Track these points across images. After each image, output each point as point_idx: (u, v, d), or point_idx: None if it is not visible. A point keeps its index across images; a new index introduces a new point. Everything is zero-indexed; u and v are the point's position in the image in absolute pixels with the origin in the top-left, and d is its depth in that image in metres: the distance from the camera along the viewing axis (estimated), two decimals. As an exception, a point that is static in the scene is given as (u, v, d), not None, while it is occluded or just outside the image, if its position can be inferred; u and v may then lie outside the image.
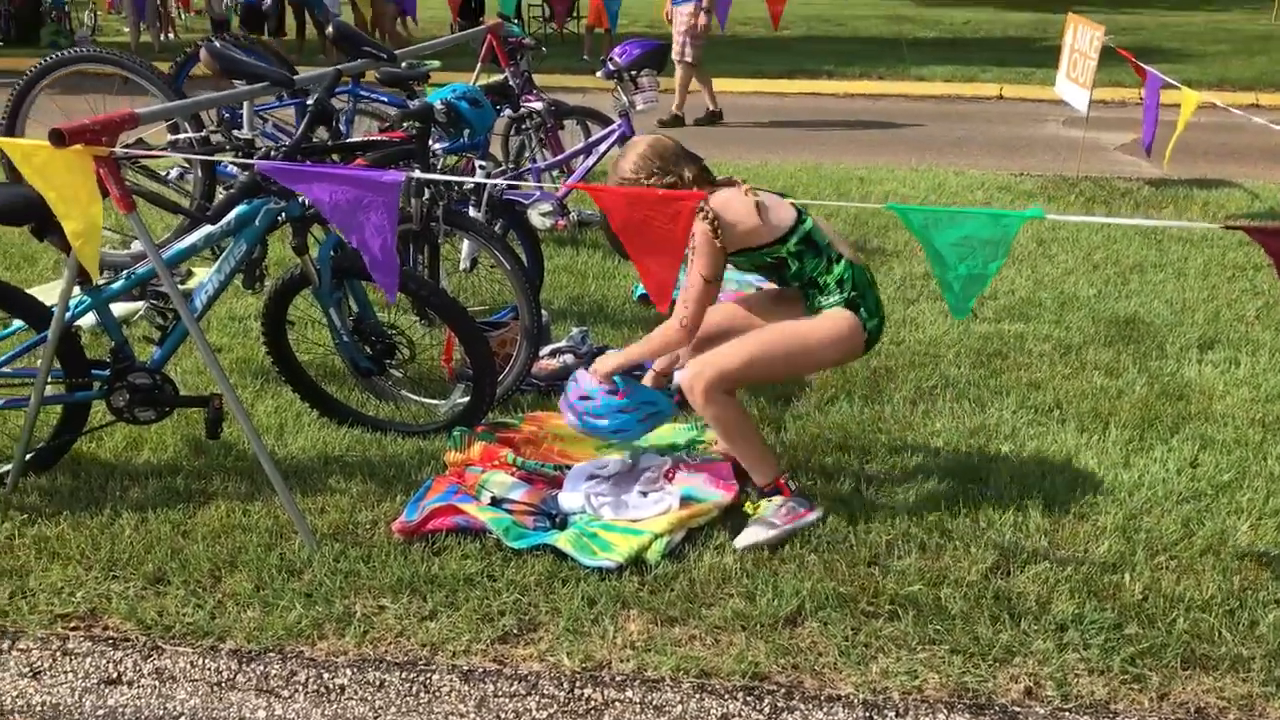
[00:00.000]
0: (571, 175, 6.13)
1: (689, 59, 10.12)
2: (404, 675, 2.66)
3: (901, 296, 5.32)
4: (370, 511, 3.29)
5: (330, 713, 2.59)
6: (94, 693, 2.64)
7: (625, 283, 5.45)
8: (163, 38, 17.45)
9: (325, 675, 2.66)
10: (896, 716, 2.56)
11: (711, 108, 10.49)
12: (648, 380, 3.50)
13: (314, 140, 3.60)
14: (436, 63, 6.24)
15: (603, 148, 5.98)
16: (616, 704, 2.60)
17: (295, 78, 3.69)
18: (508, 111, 6.06)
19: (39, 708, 2.62)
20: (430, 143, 4.06)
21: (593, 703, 2.60)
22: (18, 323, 3.37)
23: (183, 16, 19.97)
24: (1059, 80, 8.80)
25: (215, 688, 2.64)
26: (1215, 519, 3.30)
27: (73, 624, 2.83)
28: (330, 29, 4.24)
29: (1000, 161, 9.15)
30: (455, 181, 4.07)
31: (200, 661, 2.70)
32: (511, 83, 6.01)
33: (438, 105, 3.85)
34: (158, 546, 3.11)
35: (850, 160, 8.72)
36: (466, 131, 4.06)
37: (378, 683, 2.64)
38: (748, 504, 3.31)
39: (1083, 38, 8.05)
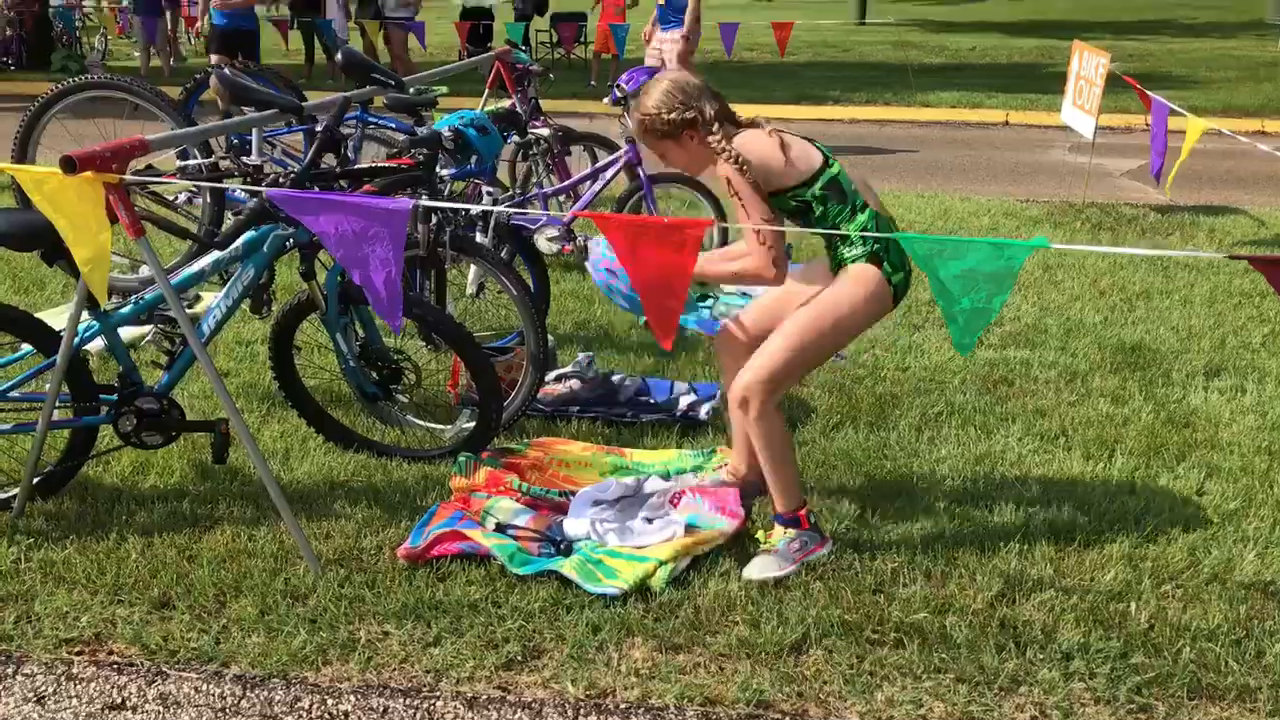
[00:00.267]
0: (578, 201, 6.16)
1: None
2: (408, 702, 2.66)
3: (907, 322, 5.32)
4: (375, 537, 3.30)
5: (334, 740, 2.59)
6: (98, 718, 2.64)
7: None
8: (172, 62, 17.58)
9: (329, 701, 2.66)
10: (901, 746, 2.55)
11: None
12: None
13: (322, 166, 3.62)
14: (444, 88, 6.28)
15: (609, 174, 6.00)
16: (620, 732, 2.59)
17: (304, 105, 3.72)
18: (515, 138, 6.09)
19: (43, 733, 2.62)
20: (438, 168, 4.09)
21: (597, 731, 2.60)
22: (26, 347, 3.38)
23: (191, 41, 20.13)
24: (1065, 107, 8.82)
25: (219, 713, 2.64)
26: (1222, 547, 3.29)
27: (77, 649, 2.83)
28: (339, 56, 4.27)
29: (1006, 187, 9.17)
30: (463, 209, 4.09)
31: (204, 687, 2.70)
32: (519, 109, 6.05)
33: (445, 132, 3.88)
34: (163, 571, 3.11)
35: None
36: (474, 158, 4.08)
37: (381, 709, 2.64)
38: (759, 531, 3.30)
39: (1088, 65, 8.09)
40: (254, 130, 4.18)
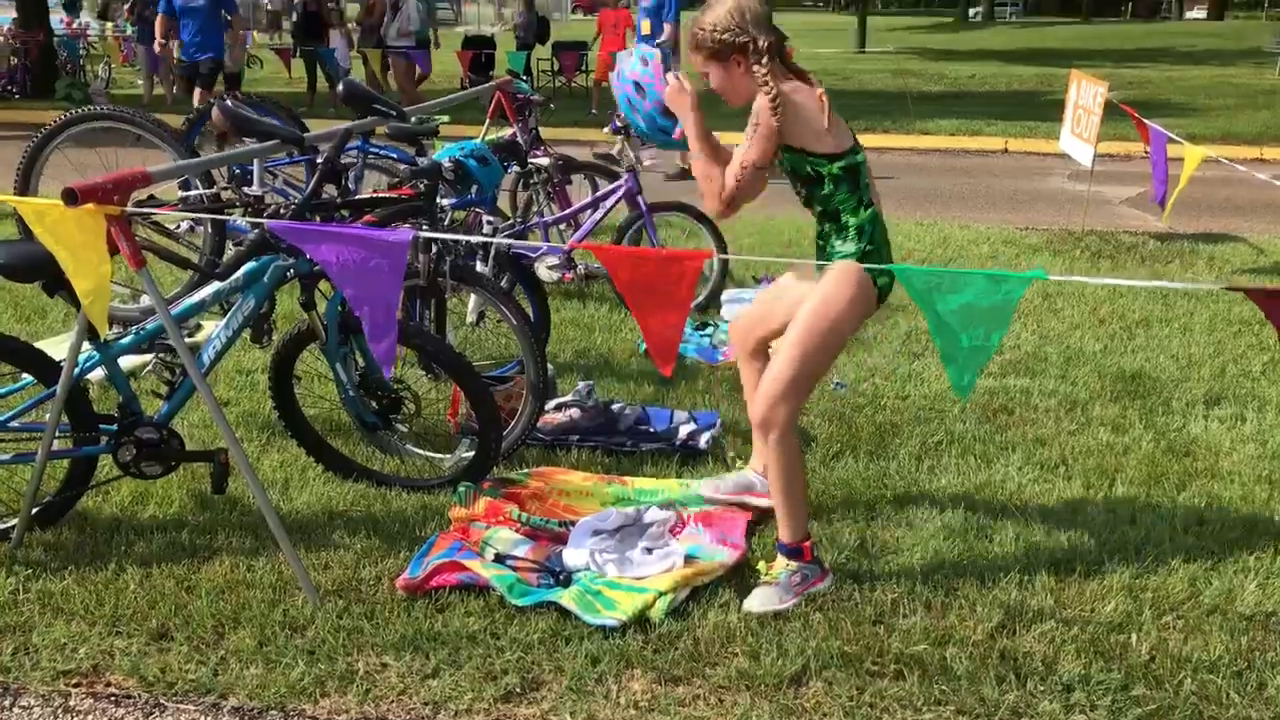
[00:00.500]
0: (579, 229, 6.18)
1: None
2: (406, 735, 2.65)
3: (907, 350, 5.33)
4: (374, 567, 3.29)
5: (331, 773, 2.57)
6: (95, 751, 2.63)
7: (631, 336, 5.47)
8: (175, 90, 17.67)
9: (327, 734, 2.65)
10: (902, 780, 2.53)
11: (685, 165, 10.49)
12: None
13: (323, 197, 3.64)
14: (445, 117, 6.31)
15: (609, 203, 6.02)
16: (619, 765, 2.58)
17: (305, 136, 3.74)
18: (515, 168, 6.12)
19: (39, 766, 2.60)
20: (439, 198, 4.10)
21: (595, 764, 2.58)
22: (27, 377, 3.39)
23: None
24: (1063, 136, 8.86)
25: (216, 747, 2.63)
26: (1222, 578, 3.28)
27: (75, 681, 2.82)
28: (340, 87, 4.29)
29: (1005, 215, 9.20)
30: (464, 241, 4.10)
31: (202, 719, 2.69)
32: (520, 139, 6.07)
33: (446, 163, 3.90)
34: (161, 602, 3.10)
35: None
36: (475, 188, 4.10)
37: (379, 742, 2.63)
38: (760, 562, 3.29)
39: (1086, 94, 8.13)
40: (255, 161, 4.19)
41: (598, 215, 6.08)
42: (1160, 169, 7.48)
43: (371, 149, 5.52)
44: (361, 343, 3.66)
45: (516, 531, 3.39)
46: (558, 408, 4.31)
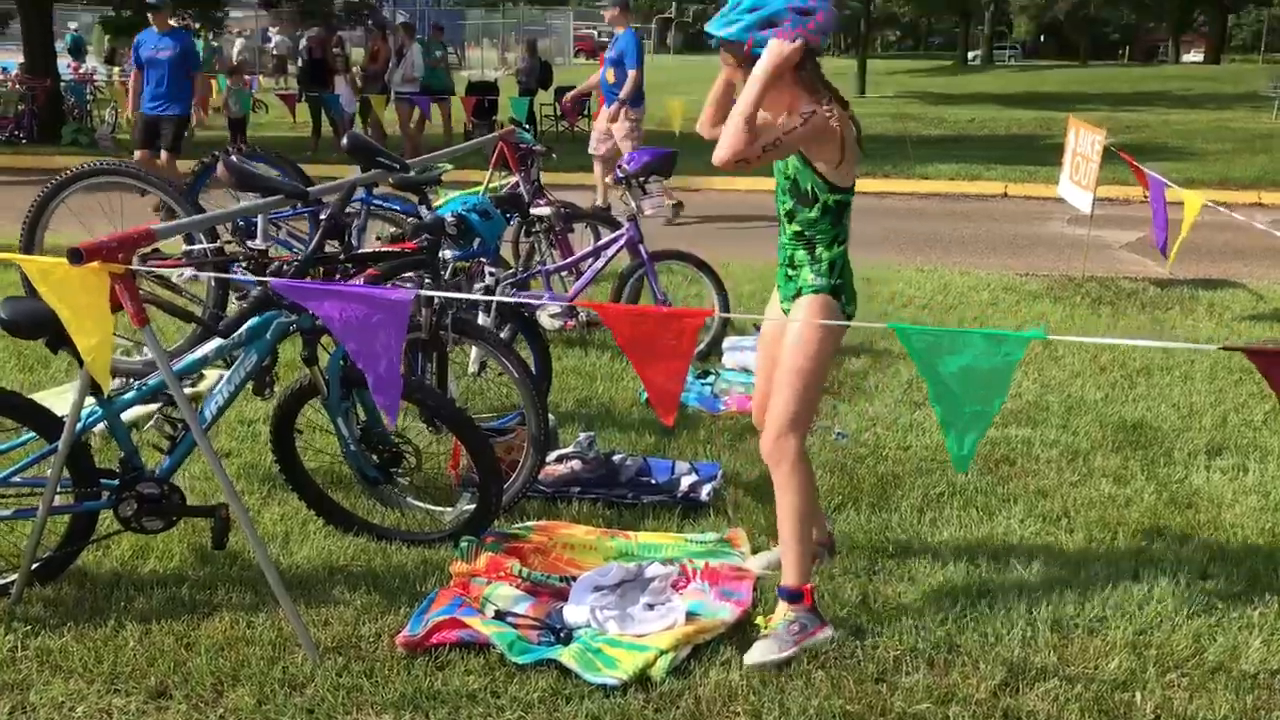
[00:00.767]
0: (580, 277, 6.21)
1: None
2: (405, 797, 2.62)
3: (908, 399, 5.33)
4: (374, 624, 3.28)
5: (329, 837, 2.55)
6: (91, 814, 2.61)
7: (633, 385, 5.48)
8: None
9: (325, 797, 2.63)
10: (905, 844, 2.51)
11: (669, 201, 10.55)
12: None
13: (326, 250, 3.67)
14: (448, 165, 6.37)
15: (611, 251, 6.06)
16: (620, 829, 2.55)
17: (309, 190, 3.77)
18: (517, 219, 6.16)
19: (35, 830, 2.58)
20: (441, 250, 4.13)
21: (596, 827, 2.56)
22: (29, 432, 3.39)
23: (204, 116, 20.35)
24: (1062, 182, 8.92)
25: (214, 809, 2.61)
26: (1227, 634, 3.27)
27: (73, 741, 2.81)
28: (344, 141, 4.33)
29: (1006, 260, 9.24)
30: (465, 300, 4.12)
31: (199, 781, 2.67)
32: (522, 189, 6.11)
33: (448, 218, 3.93)
34: (160, 659, 3.09)
35: (857, 258, 8.78)
36: (477, 241, 4.12)
37: (378, 805, 2.61)
38: (759, 617, 3.28)
39: (1084, 142, 8.18)
40: (259, 215, 4.22)
41: (599, 264, 6.11)
42: (1160, 216, 7.52)
43: (374, 201, 5.56)
44: (363, 396, 3.67)
45: (517, 587, 3.38)
46: (559, 459, 4.31)
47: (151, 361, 4.50)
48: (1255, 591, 3.52)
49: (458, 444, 4.00)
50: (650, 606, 3.31)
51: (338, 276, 3.83)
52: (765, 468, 4.40)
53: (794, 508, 3.21)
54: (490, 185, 7.10)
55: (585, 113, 18.05)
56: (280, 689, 2.97)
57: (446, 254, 4.26)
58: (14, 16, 20.31)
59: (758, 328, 6.55)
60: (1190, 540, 3.89)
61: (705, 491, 4.17)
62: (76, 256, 2.79)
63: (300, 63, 17.68)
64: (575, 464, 4.28)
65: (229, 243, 4.20)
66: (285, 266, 3.43)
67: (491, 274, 4.74)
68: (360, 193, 5.62)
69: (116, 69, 24.56)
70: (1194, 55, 58.40)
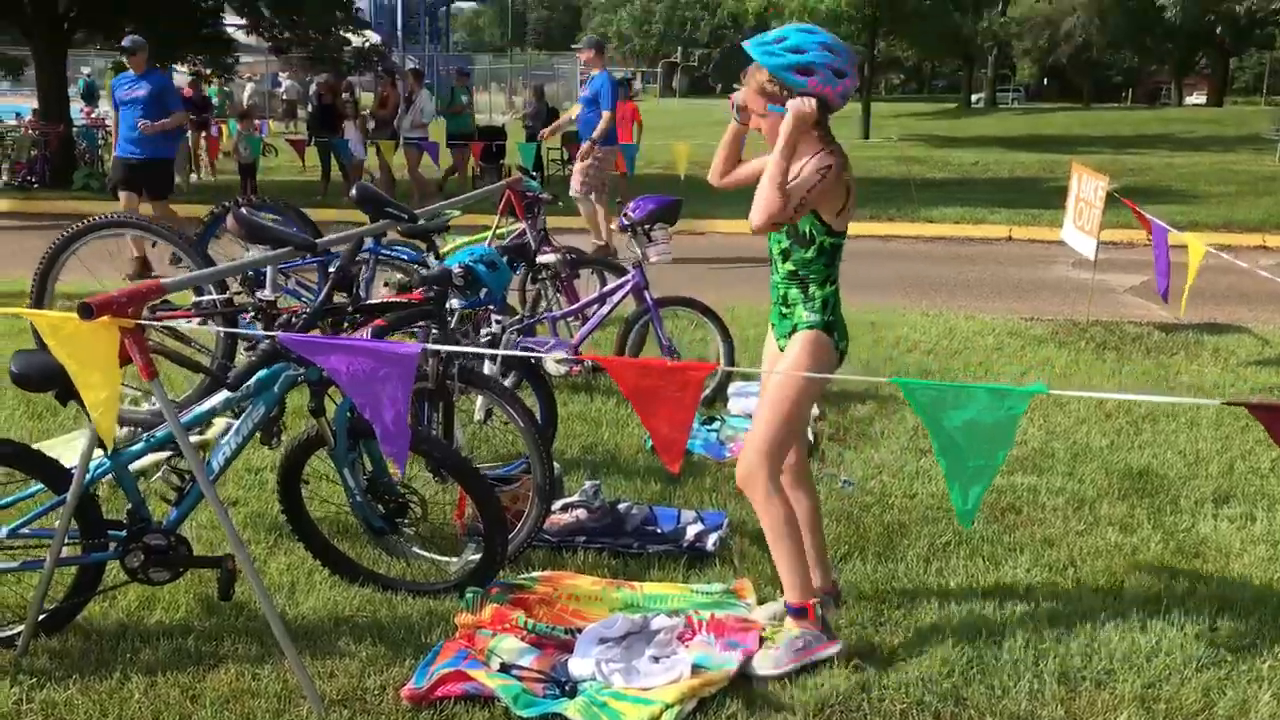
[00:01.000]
0: (586, 323, 6.24)
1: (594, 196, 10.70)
2: None
3: (914, 446, 5.33)
4: (379, 676, 3.27)
5: None
6: None
7: (638, 431, 5.49)
8: (193, 178, 17.97)
9: None
10: None
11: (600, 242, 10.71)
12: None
13: (335, 301, 3.70)
14: (456, 212, 6.42)
15: (616, 297, 6.09)
16: None
17: (317, 242, 3.80)
18: (523, 266, 6.20)
19: None
20: (448, 300, 4.16)
21: None
22: (37, 483, 3.41)
23: (206, 156, 20.53)
24: (1065, 227, 8.96)
25: None
26: (1236, 688, 3.25)
27: (76, 796, 2.80)
28: (353, 191, 4.38)
29: (1011, 304, 9.27)
30: (473, 354, 4.15)
31: (203, 838, 2.66)
32: (529, 236, 6.16)
33: (455, 269, 3.96)
34: (166, 712, 3.09)
35: (861, 302, 8.82)
36: (484, 292, 4.15)
37: None
38: (767, 630, 3.42)
39: (1087, 187, 8.23)
40: (268, 267, 4.26)
41: (604, 310, 6.14)
42: (1162, 262, 7.55)
43: (382, 251, 5.61)
44: (369, 447, 3.68)
45: (522, 639, 3.37)
46: (564, 508, 4.32)
47: (160, 412, 4.53)
48: (1264, 644, 3.51)
49: (463, 493, 4.01)
50: (656, 659, 3.30)
51: (346, 327, 3.86)
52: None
53: (776, 530, 3.34)
54: (497, 232, 7.15)
55: (592, 157, 18.15)
56: (285, 743, 2.96)
57: (454, 303, 4.29)
58: (28, 63, 20.53)
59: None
60: (1198, 591, 3.88)
61: (711, 541, 4.17)
62: (87, 312, 2.82)
63: (310, 108, 17.89)
64: (580, 513, 4.29)
65: (238, 293, 4.23)
66: (294, 319, 3.46)
67: (498, 321, 4.77)
68: (369, 242, 5.67)
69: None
70: (1196, 97, 58.77)
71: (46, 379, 3.15)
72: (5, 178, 17.65)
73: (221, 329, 4.08)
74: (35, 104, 18.92)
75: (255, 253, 4.09)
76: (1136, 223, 8.39)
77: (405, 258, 5.77)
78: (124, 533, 3.41)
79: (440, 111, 16.92)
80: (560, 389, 5.95)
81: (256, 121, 18.30)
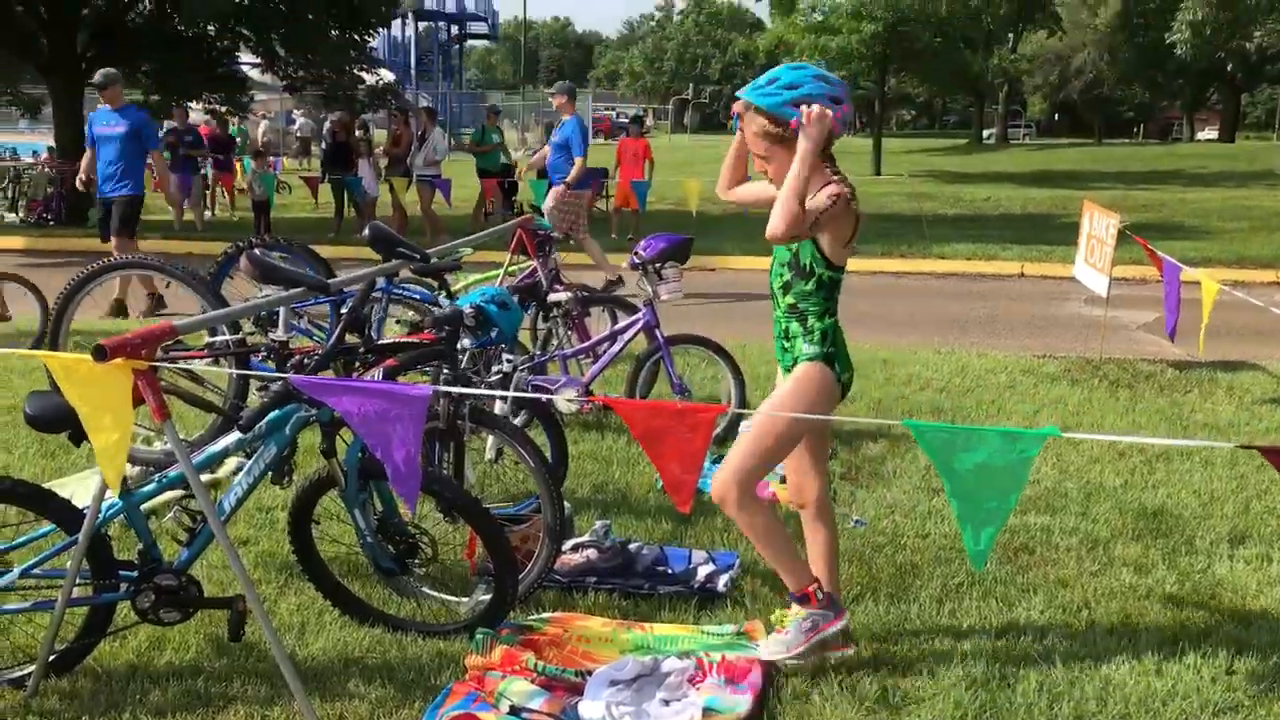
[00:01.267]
0: (597, 361, 6.25)
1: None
2: None
3: (926, 486, 5.31)
4: (389, 718, 3.26)
5: None
6: None
7: (649, 471, 5.47)
8: (208, 215, 18.11)
9: None
10: None
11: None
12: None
13: (347, 341, 3.71)
14: (468, 250, 6.46)
15: (627, 335, 6.10)
16: None
17: (329, 283, 3.83)
18: (534, 305, 6.23)
19: None
20: (460, 340, 4.17)
21: None
22: (49, 524, 3.42)
23: (223, 197, 20.73)
24: (1078, 264, 8.96)
25: None
26: (1253, 733, 3.21)
27: (84, 840, 2.78)
28: (366, 232, 4.41)
29: (1023, 341, 9.25)
30: (483, 397, 4.16)
31: None
32: (540, 275, 6.18)
33: (467, 310, 3.98)
34: (174, 756, 3.07)
35: (874, 339, 8.83)
36: (495, 332, 4.17)
37: None
38: (774, 614, 3.61)
39: (1099, 225, 8.23)
40: (281, 307, 4.29)
41: (616, 348, 6.15)
42: (1172, 299, 7.53)
43: (395, 290, 5.64)
44: (380, 487, 3.69)
45: (532, 682, 3.36)
46: (575, 548, 4.31)
47: (172, 451, 4.55)
48: (1281, 687, 3.47)
49: (473, 533, 4.00)
50: (666, 702, 3.28)
51: (358, 367, 3.87)
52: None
53: (757, 535, 3.46)
54: (509, 270, 7.19)
55: (604, 194, 18.28)
56: (293, 787, 2.94)
57: (465, 343, 4.30)
58: (46, 101, 20.78)
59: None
60: (1214, 633, 3.84)
61: (723, 582, 4.15)
62: (101, 354, 2.84)
63: (324, 145, 18.04)
64: (591, 553, 4.28)
65: (251, 333, 4.26)
66: (306, 359, 3.47)
67: (509, 360, 4.78)
68: (381, 281, 5.70)
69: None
70: (1208, 133, 58.86)
71: (59, 420, 3.16)
72: (22, 215, 17.83)
73: (234, 370, 4.10)
74: (52, 142, 19.15)
75: (269, 293, 4.12)
76: (1149, 260, 8.38)
77: (418, 297, 5.80)
78: (135, 573, 3.41)
79: (470, 149, 17.11)
80: (571, 427, 5.95)
81: (271, 159, 18.48)
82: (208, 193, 19.52)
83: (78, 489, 4.60)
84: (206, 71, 19.51)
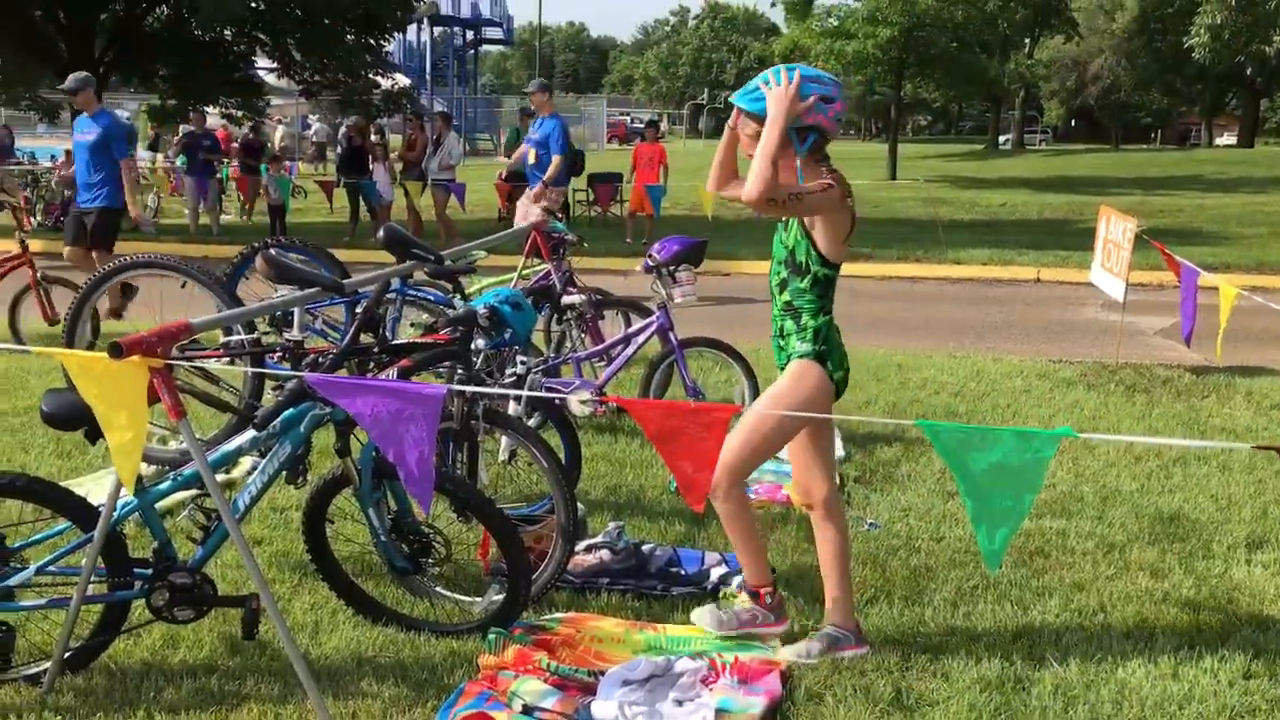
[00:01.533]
0: (611, 364, 6.25)
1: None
2: None
3: (941, 489, 5.29)
4: (402, 717, 3.26)
5: None
6: None
7: (663, 472, 5.47)
8: (224, 219, 18.18)
9: None
10: None
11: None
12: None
13: (361, 342, 3.72)
14: (482, 253, 6.47)
15: (641, 338, 6.10)
16: None
17: (344, 283, 3.84)
18: (548, 308, 6.24)
19: None
20: (473, 341, 4.18)
21: None
22: (65, 522, 3.43)
23: (240, 200, 20.83)
24: (1094, 269, 8.92)
25: None
26: (1271, 737, 3.19)
27: (98, 836, 2.79)
28: (380, 234, 4.42)
29: (1039, 346, 9.21)
30: (497, 395, 4.17)
31: None
32: (554, 277, 6.19)
33: (481, 310, 3.98)
34: (188, 753, 3.08)
35: (889, 344, 8.81)
36: (509, 333, 4.17)
37: None
38: (726, 591, 3.90)
39: (1115, 229, 8.20)
40: (296, 307, 4.30)
41: (629, 351, 6.15)
42: (1189, 304, 7.49)
43: (409, 292, 5.65)
44: (394, 487, 3.69)
45: (545, 681, 3.35)
46: (588, 549, 4.30)
47: (187, 451, 4.56)
48: (1299, 692, 3.44)
49: (487, 533, 4.01)
50: (679, 702, 3.27)
51: (372, 367, 3.88)
52: (797, 557, 4.40)
53: (729, 522, 3.63)
54: (522, 273, 7.19)
55: (617, 198, 18.30)
56: (306, 785, 2.95)
57: (479, 344, 4.30)
58: (64, 106, 20.92)
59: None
60: (1231, 637, 3.81)
61: (735, 583, 4.13)
62: (117, 351, 2.85)
63: (339, 150, 18.10)
64: (604, 554, 4.27)
65: (266, 333, 4.27)
66: (321, 359, 3.48)
67: (523, 362, 4.78)
68: (395, 283, 5.71)
69: (159, 155, 25.26)
70: (1227, 138, 58.54)
71: (75, 418, 3.18)
72: (39, 218, 17.93)
73: (249, 369, 4.11)
74: (70, 146, 19.25)
75: (284, 293, 4.13)
76: (1166, 263, 8.33)
77: (432, 299, 5.81)
78: (150, 571, 3.42)
79: (507, 154, 17.16)
80: (584, 430, 5.95)
81: (286, 164, 18.55)
82: (224, 197, 19.61)
83: (93, 488, 4.62)
84: (223, 76, 19.60)
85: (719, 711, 3.20)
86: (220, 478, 4.26)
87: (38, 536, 3.48)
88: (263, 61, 21.71)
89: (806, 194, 3.34)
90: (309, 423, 3.46)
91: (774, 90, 3.32)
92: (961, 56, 31.49)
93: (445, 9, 44.00)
